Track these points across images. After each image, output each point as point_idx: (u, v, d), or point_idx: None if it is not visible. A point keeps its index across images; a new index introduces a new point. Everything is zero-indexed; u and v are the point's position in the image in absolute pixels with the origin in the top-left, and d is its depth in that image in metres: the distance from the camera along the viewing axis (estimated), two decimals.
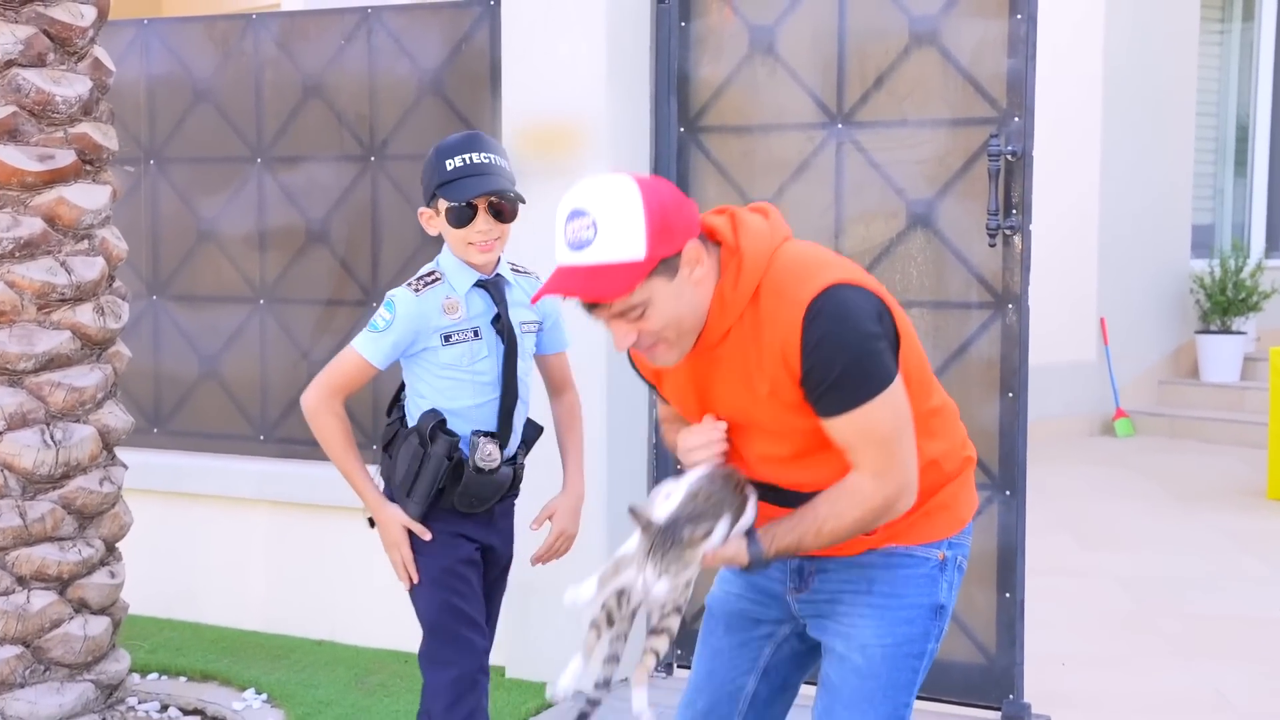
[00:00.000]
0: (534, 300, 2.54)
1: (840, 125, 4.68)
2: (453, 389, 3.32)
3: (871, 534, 2.57)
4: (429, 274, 3.34)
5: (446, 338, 3.30)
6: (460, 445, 3.31)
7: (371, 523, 3.40)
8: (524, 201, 3.33)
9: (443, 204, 3.28)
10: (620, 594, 2.47)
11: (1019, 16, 4.40)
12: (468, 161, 3.27)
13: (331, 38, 5.35)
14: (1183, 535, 7.26)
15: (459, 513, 3.36)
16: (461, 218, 3.27)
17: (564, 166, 4.74)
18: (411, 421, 3.36)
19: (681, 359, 2.50)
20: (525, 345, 3.42)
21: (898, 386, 2.42)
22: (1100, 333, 10.21)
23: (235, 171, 5.58)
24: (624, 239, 2.32)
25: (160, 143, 5.71)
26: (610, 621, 2.49)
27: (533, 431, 3.49)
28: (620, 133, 4.79)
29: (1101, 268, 10.20)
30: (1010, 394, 4.48)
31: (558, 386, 3.61)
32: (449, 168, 3.27)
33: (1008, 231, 4.41)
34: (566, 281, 2.35)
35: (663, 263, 2.34)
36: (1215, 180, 11.63)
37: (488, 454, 3.31)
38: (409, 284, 3.33)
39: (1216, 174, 11.63)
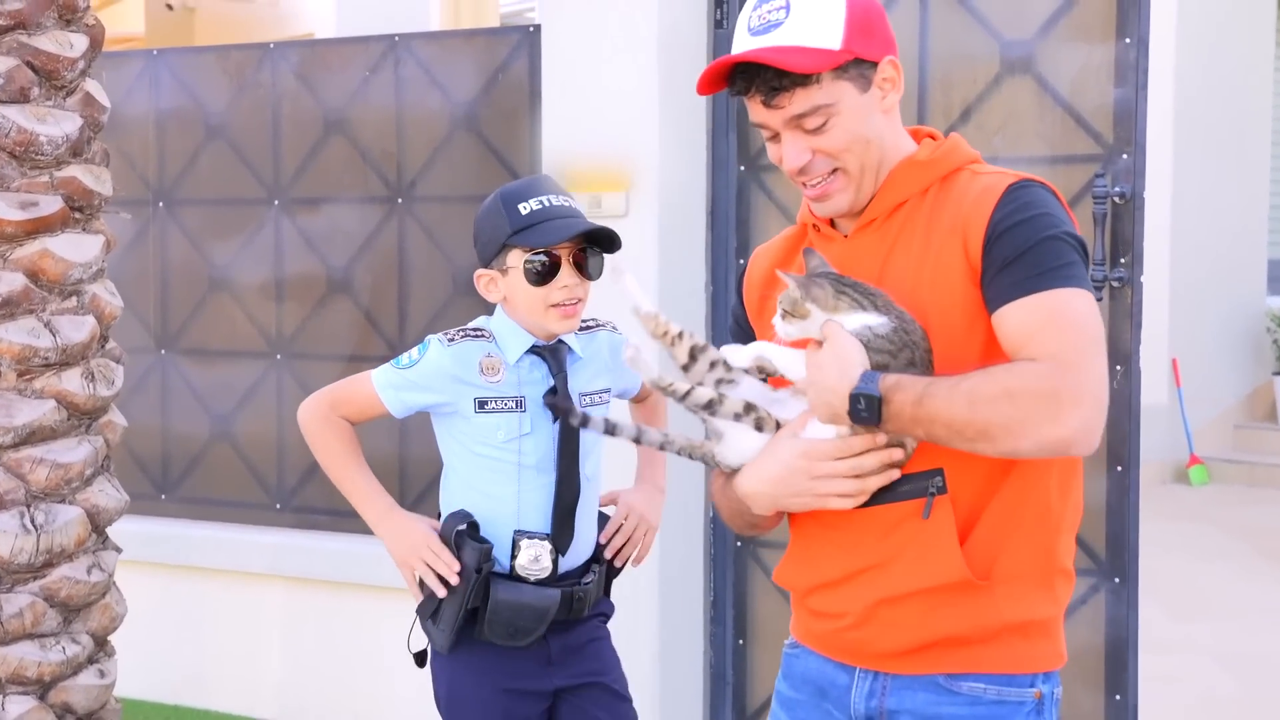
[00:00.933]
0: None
1: None
2: (490, 471, 2.78)
3: (959, 645, 2.05)
4: (476, 329, 2.83)
5: (481, 403, 2.77)
6: (496, 555, 2.76)
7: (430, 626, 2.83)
8: (619, 246, 2.78)
9: (517, 256, 2.74)
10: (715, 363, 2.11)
11: (1128, 40, 3.88)
12: (547, 204, 2.75)
13: (356, 69, 4.88)
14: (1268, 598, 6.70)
15: (505, 649, 2.78)
16: (544, 273, 2.73)
17: (611, 209, 4.25)
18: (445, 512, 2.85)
19: (776, 244, 2.27)
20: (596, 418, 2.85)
21: (1093, 301, 1.97)
22: (1172, 374, 9.66)
23: (251, 214, 5.11)
24: (819, 24, 2.05)
25: (170, 183, 5.25)
26: (689, 357, 2.13)
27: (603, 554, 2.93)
28: (673, 172, 4.30)
29: (1173, 305, 9.66)
30: (1120, 467, 3.95)
31: (641, 397, 3.08)
32: (524, 212, 2.74)
33: (1115, 283, 3.89)
34: (758, 51, 2.05)
35: (856, 64, 2.07)
36: None
37: (533, 559, 2.75)
38: (446, 332, 2.83)
39: None
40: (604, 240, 2.77)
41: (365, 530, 4.85)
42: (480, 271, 2.81)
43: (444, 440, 2.85)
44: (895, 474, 2.03)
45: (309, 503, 5.00)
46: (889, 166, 2.14)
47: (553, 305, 2.75)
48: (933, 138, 2.21)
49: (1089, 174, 3.93)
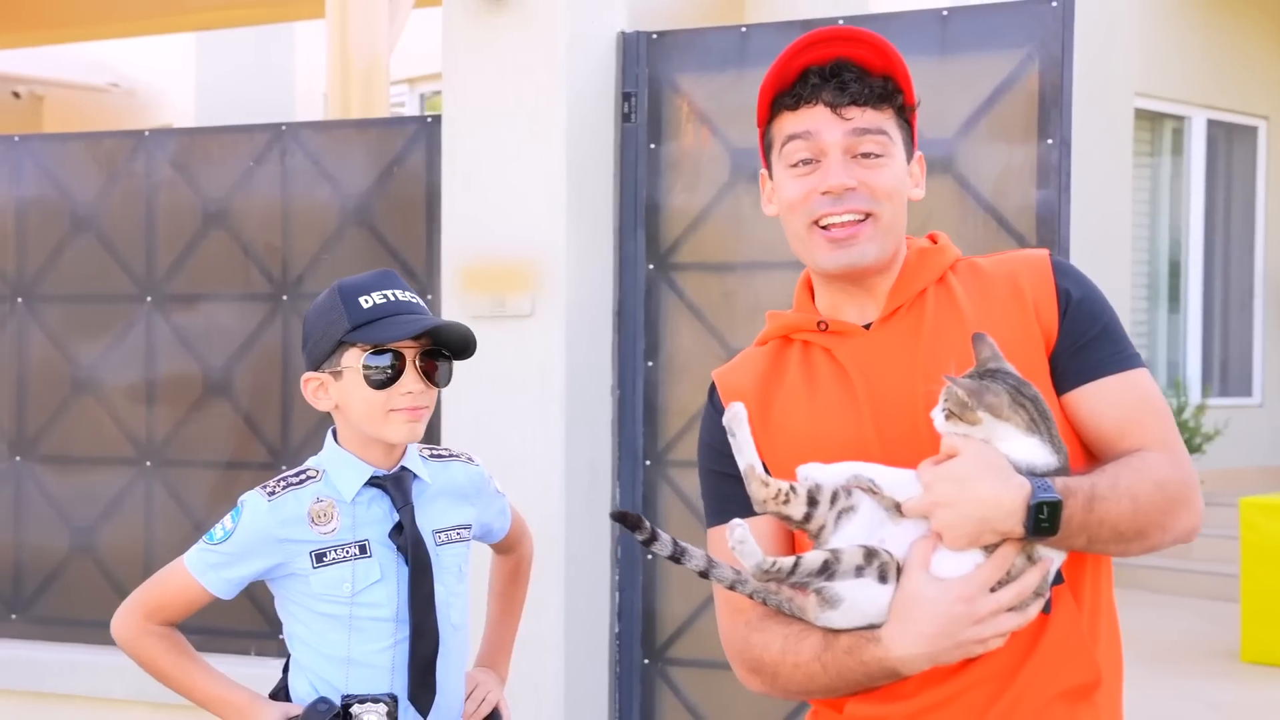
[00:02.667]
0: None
1: None
2: (333, 633, 2.39)
3: None
4: (300, 472, 2.43)
5: (319, 557, 2.37)
6: None
7: None
8: (473, 351, 2.44)
9: (354, 356, 2.36)
10: (835, 497, 1.83)
11: (1050, 141, 3.82)
12: (393, 299, 2.40)
13: (238, 159, 4.63)
14: (1159, 707, 6.63)
15: None
16: (386, 378, 2.36)
17: (516, 309, 4.05)
18: (296, 697, 2.44)
19: (751, 356, 2.07)
20: (445, 561, 2.45)
21: None
22: None
23: (120, 312, 4.79)
24: (901, 71, 1.97)
25: (31, 278, 4.91)
26: (809, 504, 1.83)
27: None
28: (581, 271, 4.12)
29: None
30: None
31: (507, 547, 2.71)
32: (366, 305, 2.37)
33: None
34: (843, 34, 1.94)
35: (907, 131, 1.99)
36: (1150, 318, 11.27)
37: None
38: (265, 484, 2.42)
39: (1150, 311, 11.27)
40: (455, 343, 2.43)
41: (243, 650, 4.57)
42: (308, 375, 2.42)
43: (283, 605, 2.47)
44: (1048, 594, 1.83)
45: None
46: (899, 247, 2.00)
47: (393, 410, 2.38)
48: (910, 239, 2.07)
49: None
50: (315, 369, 2.42)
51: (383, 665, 2.42)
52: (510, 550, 2.70)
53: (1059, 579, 1.85)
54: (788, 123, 1.97)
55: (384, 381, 2.37)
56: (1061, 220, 3.80)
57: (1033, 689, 1.85)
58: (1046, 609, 1.84)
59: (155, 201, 4.74)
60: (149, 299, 4.75)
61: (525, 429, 4.09)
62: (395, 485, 2.44)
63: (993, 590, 1.78)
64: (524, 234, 4.09)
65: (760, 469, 1.86)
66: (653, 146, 4.22)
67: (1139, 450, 1.87)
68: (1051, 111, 3.82)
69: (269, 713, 2.42)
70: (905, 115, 1.97)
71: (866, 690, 1.89)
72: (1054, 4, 3.81)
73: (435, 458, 2.54)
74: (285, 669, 2.57)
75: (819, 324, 2.01)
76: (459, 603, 2.50)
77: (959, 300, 1.95)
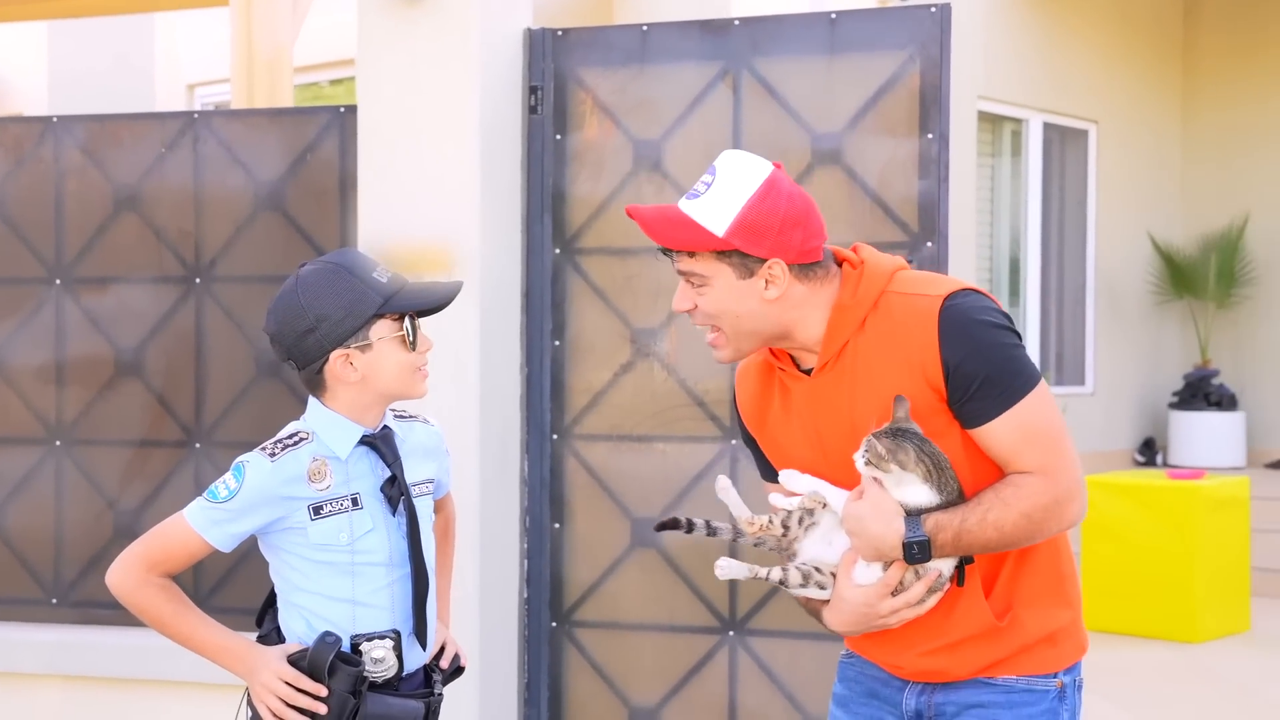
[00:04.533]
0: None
1: None
2: (334, 578, 2.64)
3: (996, 665, 2.45)
4: (292, 435, 2.65)
5: (316, 510, 2.62)
6: (365, 672, 2.62)
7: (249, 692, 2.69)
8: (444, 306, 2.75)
9: (386, 327, 2.63)
10: (801, 519, 2.44)
11: (930, 136, 4.14)
12: (389, 271, 2.68)
13: (150, 145, 4.75)
14: None
15: None
16: (413, 339, 2.65)
17: None
18: (293, 637, 2.67)
19: (753, 370, 2.56)
20: (422, 511, 2.72)
21: (1045, 386, 2.37)
22: None
23: (28, 294, 4.88)
24: (716, 211, 2.36)
25: None
26: (784, 528, 2.45)
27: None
28: (493, 255, 4.34)
29: None
30: None
31: (440, 505, 2.95)
32: (384, 280, 2.65)
33: None
34: (656, 214, 2.42)
35: (738, 255, 2.36)
36: None
37: (377, 660, 2.63)
38: (263, 447, 2.64)
39: None
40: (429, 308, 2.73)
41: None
42: (338, 352, 2.62)
43: (277, 555, 2.69)
44: (945, 588, 2.40)
45: (92, 596, 4.76)
46: (783, 331, 2.43)
47: (419, 369, 2.69)
48: (849, 262, 2.50)
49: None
50: (339, 346, 2.61)
51: (383, 605, 2.67)
52: (442, 509, 2.94)
53: (970, 559, 2.39)
54: None
55: (416, 342, 2.65)
56: (940, 209, 4.13)
57: (948, 635, 2.44)
58: (960, 583, 2.41)
59: (64, 186, 4.84)
60: (57, 282, 4.84)
61: (441, 404, 4.27)
62: (385, 443, 2.69)
63: (895, 594, 2.37)
64: (439, 219, 4.30)
65: (748, 515, 2.48)
66: (558, 137, 4.46)
67: (1021, 475, 2.35)
68: (931, 108, 4.14)
69: (270, 653, 2.63)
70: (736, 253, 2.37)
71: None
72: (933, 10, 4.14)
73: (400, 418, 2.79)
74: (262, 618, 2.78)
75: (779, 367, 2.52)
76: (431, 548, 2.75)
77: (871, 354, 2.39)
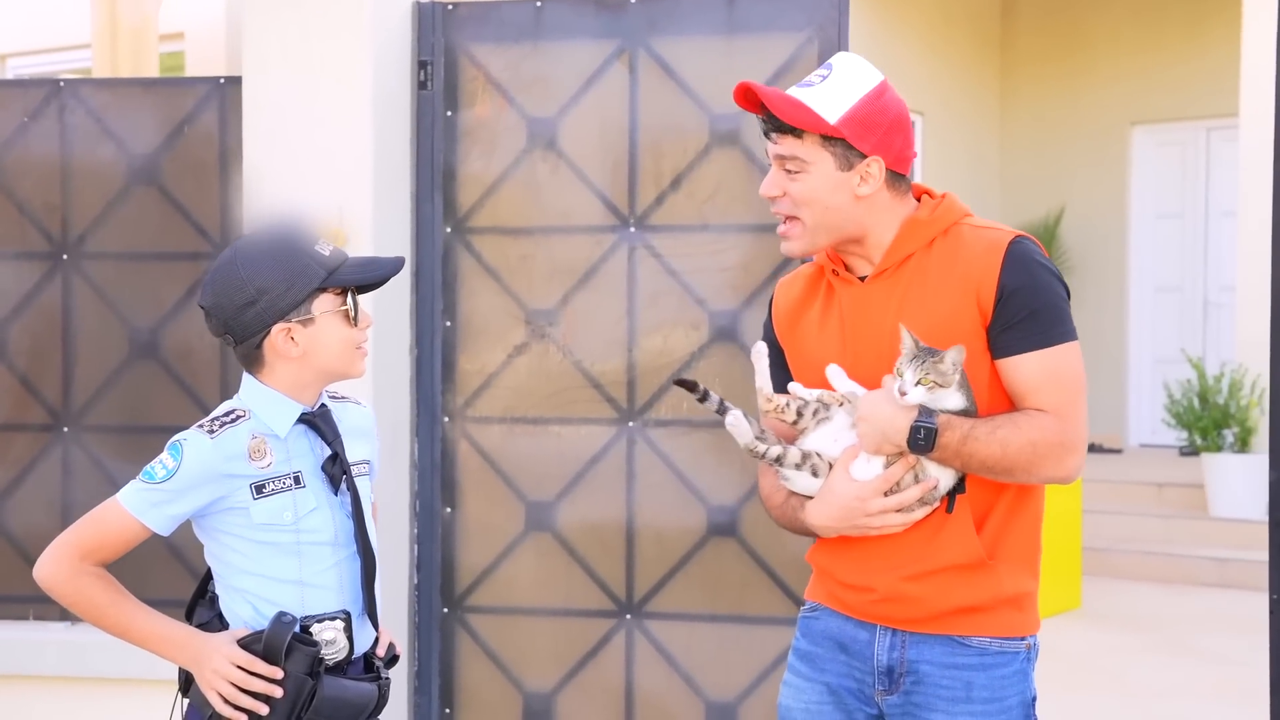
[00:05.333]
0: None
1: (633, 229, 4.28)
2: (279, 559, 2.54)
3: (968, 611, 2.51)
4: (229, 412, 2.56)
5: (258, 489, 2.53)
6: (322, 655, 2.53)
7: (185, 685, 2.58)
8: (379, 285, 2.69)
9: (328, 301, 2.55)
10: (816, 411, 2.54)
11: None
12: (330, 246, 2.60)
13: (10, 114, 4.51)
14: None
15: None
16: (353, 314, 2.59)
17: None
18: (238, 622, 2.56)
19: (800, 276, 2.66)
20: (364, 491, 2.67)
21: (1079, 349, 2.48)
22: None
23: None
24: (830, 100, 2.47)
25: None
26: (797, 415, 2.55)
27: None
28: (385, 232, 4.22)
29: None
30: None
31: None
32: (327, 254, 2.57)
33: None
34: (773, 91, 2.49)
35: (842, 145, 2.47)
36: None
37: (329, 642, 2.54)
38: (200, 424, 2.55)
39: None
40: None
41: (20, 615, 4.46)
42: (280, 326, 2.53)
43: (216, 539, 2.58)
44: (935, 504, 2.48)
45: None
46: (858, 233, 2.54)
47: (358, 346, 2.62)
48: (930, 194, 2.62)
49: None
50: (280, 320, 2.53)
51: (330, 585, 2.59)
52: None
53: (962, 489, 2.49)
54: None
55: (357, 318, 2.59)
56: None
57: (929, 561, 2.51)
58: (950, 509, 2.49)
59: None
60: None
61: (331, 386, 4.17)
62: (324, 421, 2.60)
63: (887, 495, 2.46)
64: (331, 196, 4.16)
65: (768, 390, 2.59)
66: (449, 114, 4.36)
67: (1035, 411, 2.45)
68: None
69: (218, 639, 2.52)
70: (841, 141, 2.49)
71: (807, 534, 2.63)
72: None
73: (333, 399, 2.71)
74: (192, 610, 2.65)
75: (834, 270, 2.62)
76: (373, 529, 2.67)
77: (930, 271, 2.51)
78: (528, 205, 4.35)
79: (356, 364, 2.63)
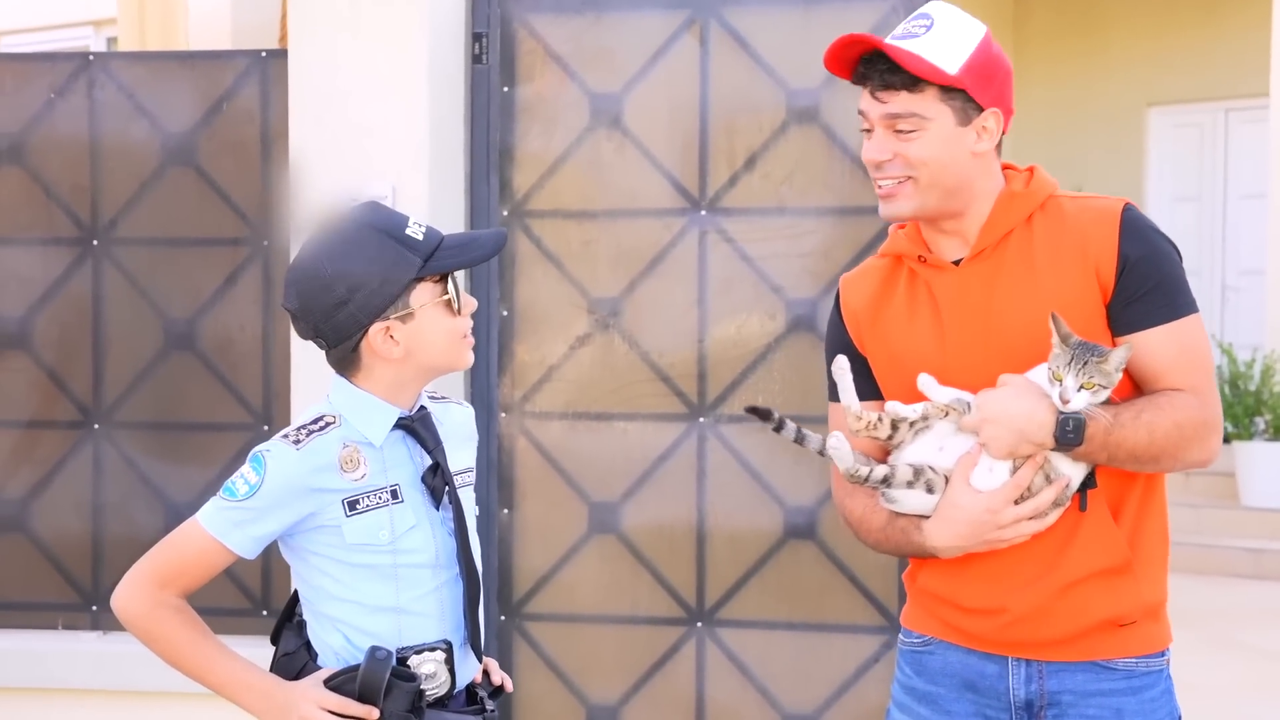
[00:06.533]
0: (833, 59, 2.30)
1: (704, 212, 4.02)
2: (375, 584, 2.27)
3: (1112, 626, 2.27)
4: (317, 419, 2.29)
5: (351, 504, 2.25)
6: (423, 689, 2.27)
7: None
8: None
9: (426, 291, 2.27)
10: (914, 424, 2.30)
11: None
12: (422, 225, 2.32)
13: (37, 90, 4.23)
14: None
15: None
16: (455, 302, 2.31)
17: None
18: (323, 660, 2.30)
19: (871, 271, 2.44)
20: (468, 503, 2.41)
21: (1203, 325, 2.29)
22: None
23: None
24: (947, 48, 2.24)
25: None
26: (892, 429, 2.30)
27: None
28: (441, 215, 3.95)
29: None
30: None
31: None
32: (420, 237, 2.28)
33: None
34: (883, 42, 2.24)
35: (963, 98, 2.25)
36: None
37: (429, 675, 2.27)
38: (285, 434, 2.27)
39: None
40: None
41: (49, 624, 4.18)
42: (377, 325, 2.25)
43: (305, 560, 2.31)
44: (1067, 504, 2.23)
45: None
46: (966, 200, 2.31)
47: (465, 336, 2.35)
48: (1014, 168, 2.39)
49: (878, 226, 3.90)
50: (377, 318, 2.26)
51: (430, 612, 2.32)
52: None
53: (1093, 483, 2.25)
54: (860, 97, 2.33)
55: (456, 308, 2.31)
56: None
57: (1069, 569, 2.25)
58: (1083, 507, 2.25)
59: None
60: None
61: (431, 384, 3.92)
62: (424, 426, 2.34)
63: (1016, 503, 2.21)
64: (385, 177, 3.90)
65: (856, 408, 2.31)
66: (506, 89, 4.10)
67: (1171, 391, 2.23)
68: None
69: (302, 686, 2.27)
70: (960, 92, 2.26)
71: (915, 557, 2.37)
72: None
73: (432, 399, 2.45)
74: (278, 635, 2.39)
75: (919, 256, 2.37)
76: (479, 546, 2.42)
77: (1035, 248, 2.29)
78: (591, 187, 4.09)
79: (464, 355, 2.36)
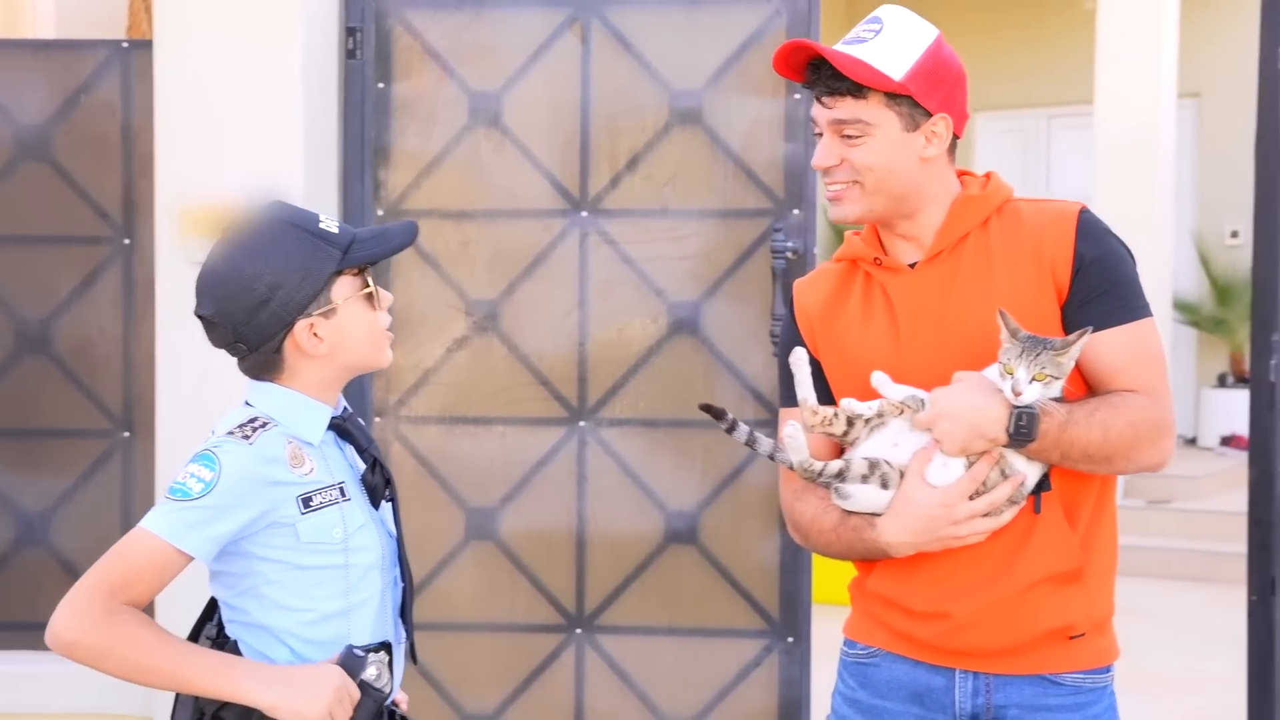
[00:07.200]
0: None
1: (585, 213, 3.97)
2: (327, 586, 2.17)
3: (1062, 636, 2.25)
4: (253, 420, 2.16)
5: (306, 501, 2.15)
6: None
7: None
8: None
9: (347, 285, 2.19)
10: (869, 420, 2.26)
11: (797, 96, 3.90)
12: (331, 218, 2.24)
13: None
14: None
15: None
16: (377, 295, 2.25)
17: None
18: None
19: (827, 273, 2.42)
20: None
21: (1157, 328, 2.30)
22: None
23: None
24: (894, 54, 2.24)
25: None
26: (847, 425, 2.26)
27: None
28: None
29: None
30: None
31: None
32: (335, 230, 2.20)
33: None
34: (830, 50, 2.24)
35: (909, 103, 2.24)
36: None
37: (375, 676, 2.18)
38: (230, 433, 2.14)
39: None
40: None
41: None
42: (302, 323, 2.17)
43: (249, 570, 2.17)
44: (1022, 503, 2.21)
45: None
46: (915, 204, 2.30)
47: (384, 331, 2.28)
48: (969, 174, 2.38)
49: (760, 228, 3.90)
50: (300, 315, 2.17)
51: (372, 615, 2.23)
52: None
53: (1047, 486, 2.22)
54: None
55: (376, 302, 2.25)
56: (809, 174, 3.89)
57: (1021, 573, 2.23)
58: (1037, 510, 2.23)
59: None
60: None
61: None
62: (354, 425, 2.27)
63: (971, 499, 2.18)
64: (258, 174, 3.76)
65: (813, 402, 2.27)
66: (381, 86, 3.99)
67: (1125, 391, 2.21)
68: None
69: (325, 665, 2.15)
70: (905, 98, 2.25)
71: (866, 559, 2.33)
72: None
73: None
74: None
75: (875, 259, 2.35)
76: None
77: (992, 250, 2.28)
78: (469, 187, 4.00)
79: (384, 352, 2.29)
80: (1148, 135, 9.29)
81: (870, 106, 2.23)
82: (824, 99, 2.26)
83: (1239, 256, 10.63)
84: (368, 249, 2.23)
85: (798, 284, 2.48)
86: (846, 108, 2.23)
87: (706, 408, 2.38)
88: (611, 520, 3.98)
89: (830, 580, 7.63)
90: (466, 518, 4.01)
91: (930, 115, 2.26)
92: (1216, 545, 8.17)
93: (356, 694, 2.14)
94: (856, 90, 2.22)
